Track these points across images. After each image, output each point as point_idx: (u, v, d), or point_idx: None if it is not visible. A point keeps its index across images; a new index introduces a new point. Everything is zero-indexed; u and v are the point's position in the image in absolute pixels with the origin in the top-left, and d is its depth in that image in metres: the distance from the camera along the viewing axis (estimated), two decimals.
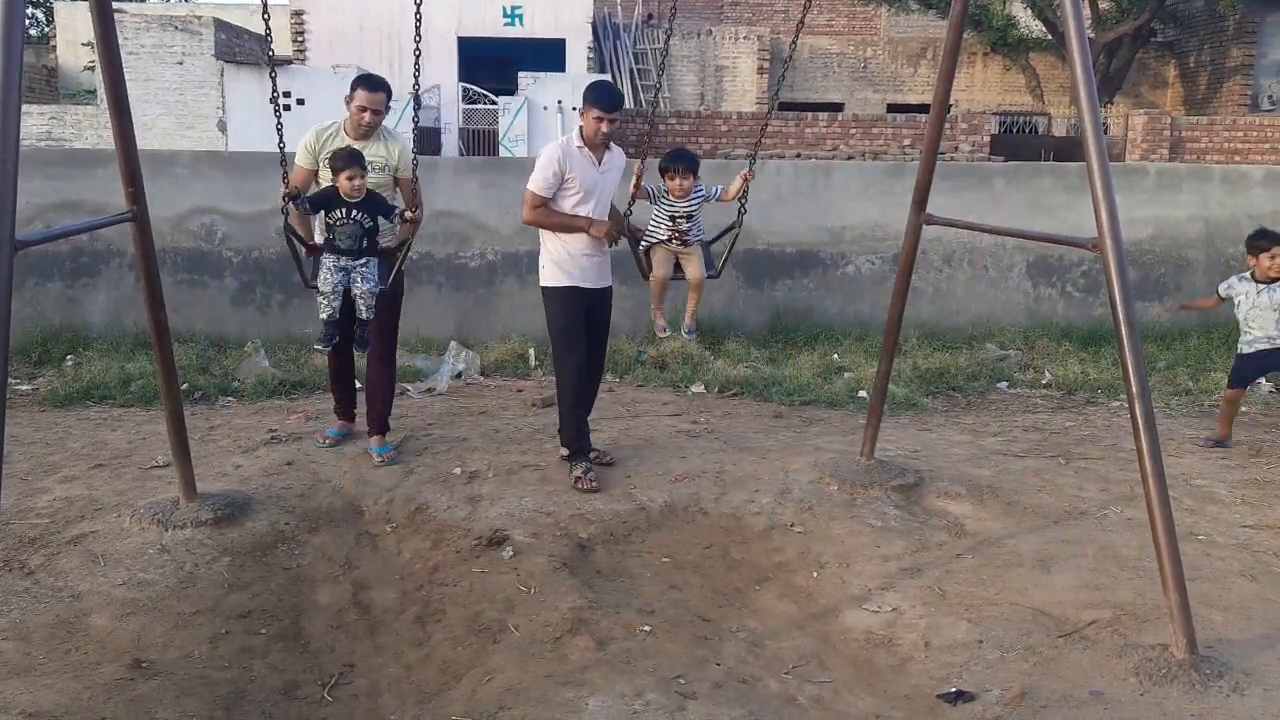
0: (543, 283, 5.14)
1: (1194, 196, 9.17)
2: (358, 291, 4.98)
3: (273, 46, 4.49)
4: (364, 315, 5.03)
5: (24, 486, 4.96)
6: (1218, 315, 8.92)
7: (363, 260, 4.99)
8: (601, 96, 4.97)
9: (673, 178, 5.27)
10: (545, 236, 5.11)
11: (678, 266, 5.45)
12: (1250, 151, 18.39)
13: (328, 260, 4.97)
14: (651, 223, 5.39)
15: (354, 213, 4.95)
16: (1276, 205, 9.14)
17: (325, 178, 5.14)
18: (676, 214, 5.29)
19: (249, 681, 3.62)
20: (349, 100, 5.07)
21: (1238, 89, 23.19)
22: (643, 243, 5.38)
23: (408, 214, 5.05)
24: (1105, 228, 3.48)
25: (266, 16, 4.27)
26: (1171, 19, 24.29)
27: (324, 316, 4.99)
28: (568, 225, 5.02)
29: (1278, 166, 11.33)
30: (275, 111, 4.52)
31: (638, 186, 5.12)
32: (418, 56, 4.60)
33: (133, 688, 3.41)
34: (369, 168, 5.15)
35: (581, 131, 5.01)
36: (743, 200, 5.31)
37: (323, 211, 4.99)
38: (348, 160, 4.92)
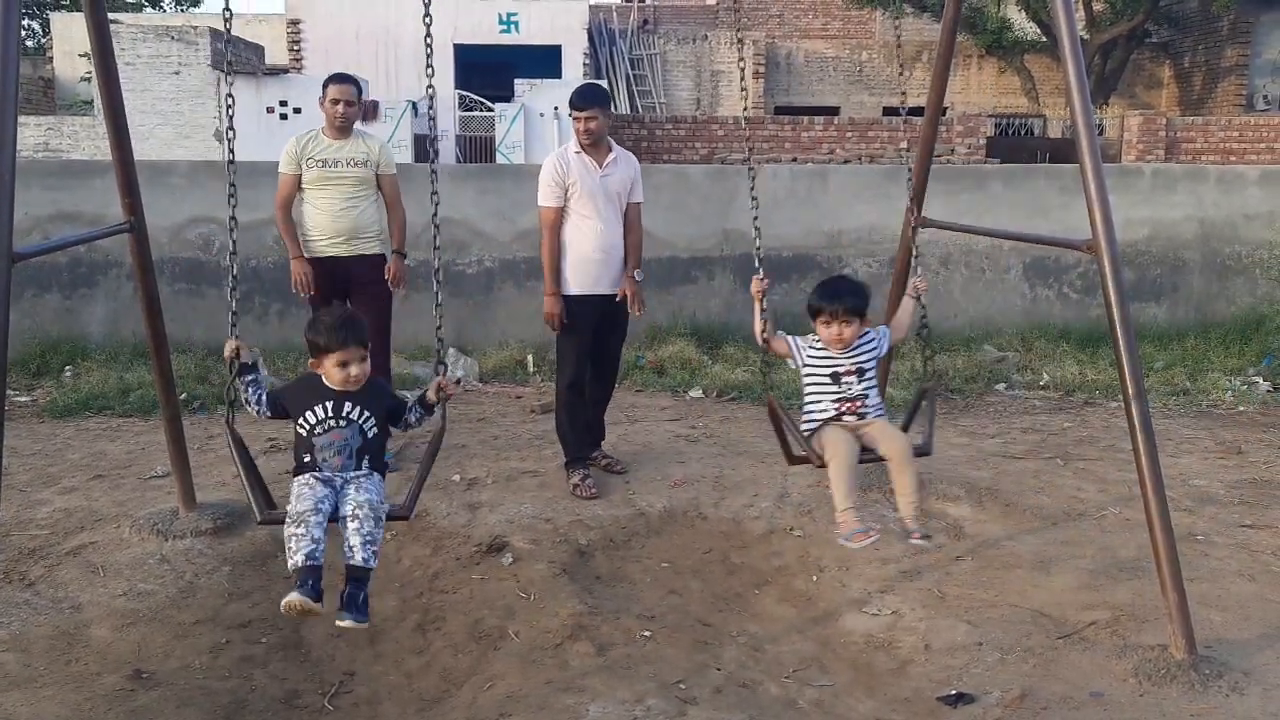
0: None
1: (1189, 197, 9.18)
2: (348, 509, 3.15)
3: (231, 59, 4.45)
4: (357, 558, 3.09)
5: (23, 498, 4.96)
6: (1216, 314, 8.96)
7: (361, 471, 3.27)
8: (581, 95, 5.01)
9: (827, 324, 3.74)
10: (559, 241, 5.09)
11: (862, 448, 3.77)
12: (1246, 152, 18.42)
13: (306, 476, 3.26)
14: (808, 393, 3.83)
15: (346, 408, 3.23)
16: (1272, 205, 9.16)
17: (309, 179, 5.24)
18: (842, 370, 3.76)
19: (250, 691, 3.62)
20: (322, 101, 5.27)
21: (1233, 89, 23.24)
22: (803, 427, 3.81)
23: (430, 394, 3.39)
24: (1099, 230, 3.49)
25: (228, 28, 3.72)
26: (1166, 20, 24.33)
27: (298, 559, 3.03)
28: (546, 275, 5.02)
29: (1273, 166, 11.35)
30: (227, 134, 4.16)
31: (765, 330, 3.81)
32: (430, 74, 3.80)
33: (133, 698, 3.42)
34: (350, 163, 5.23)
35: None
36: (924, 318, 4.03)
37: (289, 415, 3.32)
38: (341, 330, 3.21)
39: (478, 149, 18.54)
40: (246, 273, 8.21)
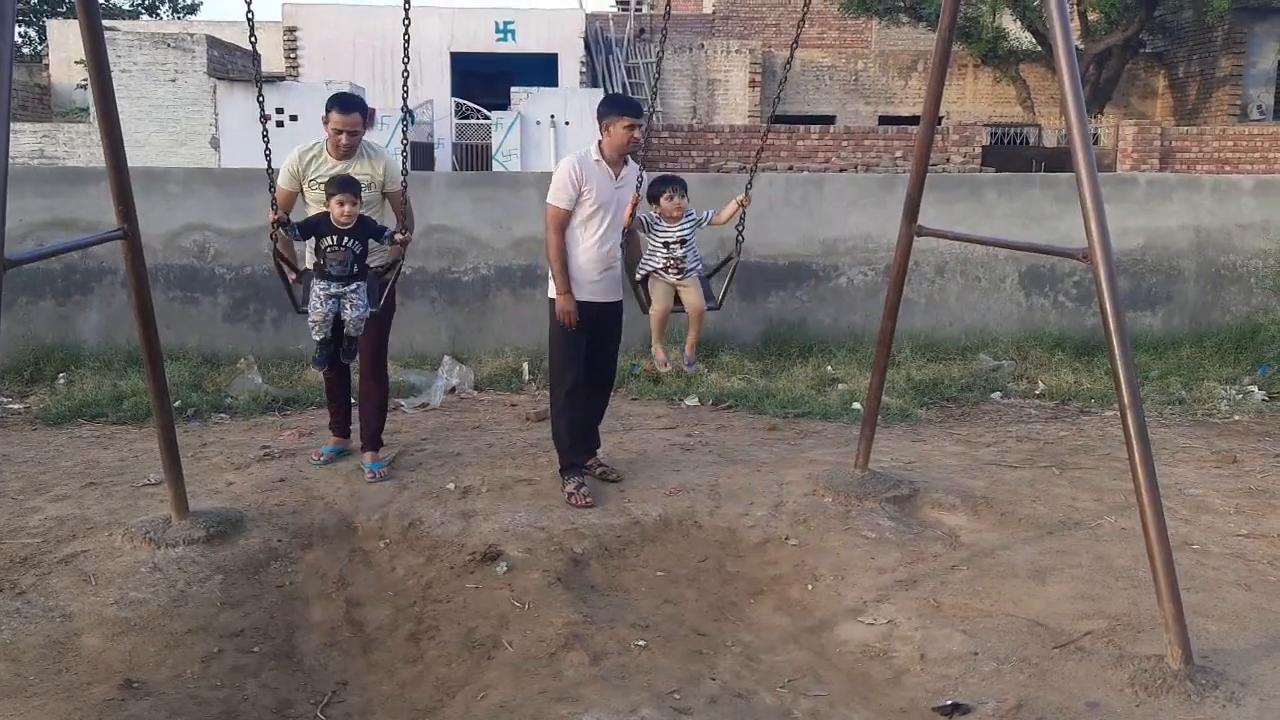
0: (550, 293, 5.09)
1: (1184, 206, 9.20)
2: (347, 317, 4.93)
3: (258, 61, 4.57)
4: (351, 334, 5.03)
5: (15, 506, 4.94)
6: (1211, 323, 8.97)
7: (352, 286, 4.93)
8: (630, 104, 5.11)
9: (670, 197, 5.13)
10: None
11: (677, 299, 5.22)
12: (1240, 161, 18.48)
13: (317, 286, 4.91)
14: (646, 252, 5.22)
15: (345, 239, 4.92)
16: (1266, 214, 9.18)
17: (312, 198, 5.14)
18: (670, 240, 5.12)
19: (241, 701, 3.60)
20: (325, 121, 5.06)
21: (1227, 99, 23.33)
22: (638, 272, 5.19)
23: (397, 235, 5.02)
24: (1095, 238, 3.49)
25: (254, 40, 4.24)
26: (1160, 30, 24.45)
27: (317, 338, 4.99)
28: (555, 275, 5.00)
29: (1267, 176, 11.39)
30: (264, 132, 4.46)
31: (632, 216, 5.01)
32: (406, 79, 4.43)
33: (124, 708, 3.39)
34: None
35: (601, 146, 5.01)
36: (740, 227, 5.18)
37: (313, 238, 4.96)
38: (341, 186, 4.90)
39: (474, 157, 18.56)
40: (242, 280, 8.20)
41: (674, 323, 5.61)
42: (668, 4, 4.90)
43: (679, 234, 5.13)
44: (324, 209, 5.20)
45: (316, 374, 6.16)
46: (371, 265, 5.11)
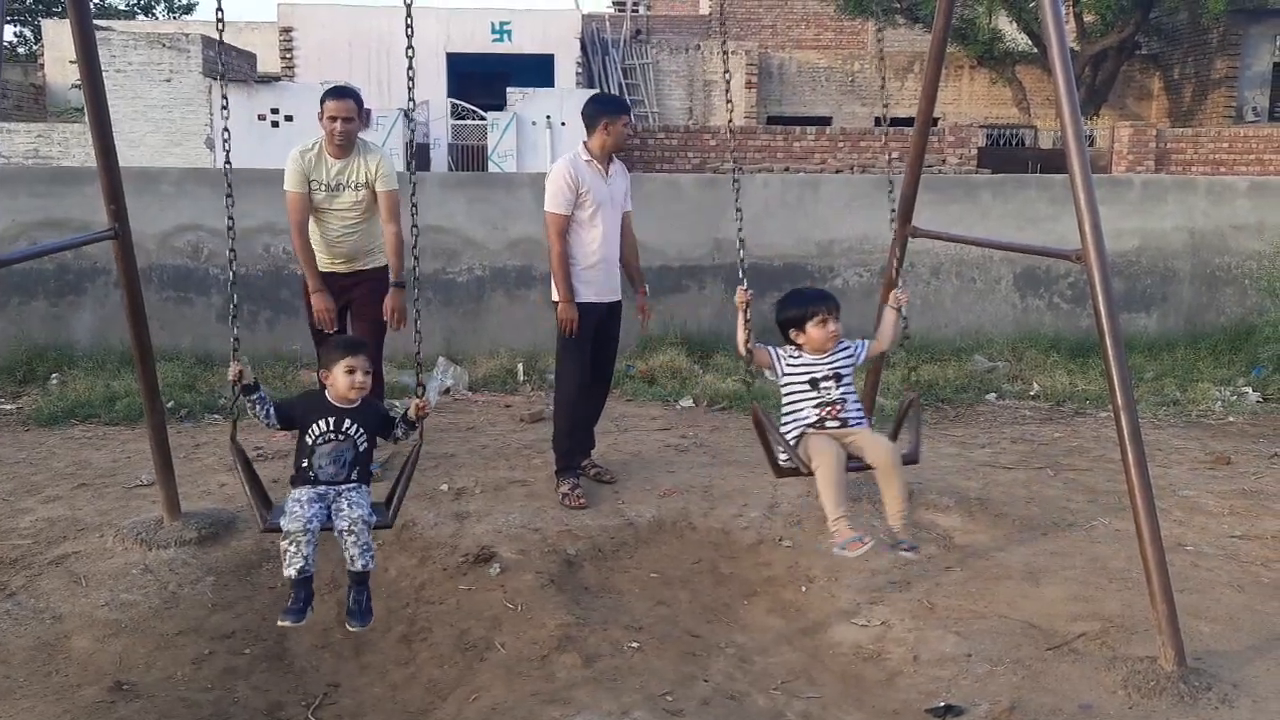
0: (554, 296, 5.09)
1: (1179, 208, 9.21)
2: (344, 524, 3.37)
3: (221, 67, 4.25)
4: (357, 565, 3.39)
5: (6, 507, 4.92)
6: (1206, 325, 8.98)
7: (351, 485, 3.51)
8: (621, 103, 5.19)
9: (823, 322, 3.79)
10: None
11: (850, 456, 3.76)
12: (1235, 163, 18.50)
13: (299, 491, 3.45)
14: (785, 405, 3.86)
15: (346, 424, 3.54)
16: (1261, 216, 9.19)
17: (319, 197, 5.11)
18: (819, 375, 3.78)
19: (232, 703, 3.59)
20: (321, 116, 5.10)
21: (1222, 100, 23.36)
22: (787, 436, 3.81)
23: (411, 412, 3.64)
24: (1089, 240, 3.48)
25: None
26: (1156, 31, 24.48)
27: (291, 572, 3.31)
28: (558, 282, 4.98)
29: (1262, 177, 11.41)
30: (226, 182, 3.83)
31: (749, 341, 3.76)
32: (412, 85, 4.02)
33: (114, 710, 3.38)
34: (352, 186, 5.14)
35: (589, 146, 5.04)
36: (905, 337, 4.07)
37: (295, 427, 3.59)
38: (348, 348, 3.59)
39: (470, 158, 18.54)
40: (237, 280, 8.17)
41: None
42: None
43: (831, 367, 3.80)
44: (318, 229, 5.12)
45: (312, 376, 5.81)
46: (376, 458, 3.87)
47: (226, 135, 3.79)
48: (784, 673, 3.75)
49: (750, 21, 27.40)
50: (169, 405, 6.45)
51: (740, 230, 3.97)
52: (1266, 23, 23.11)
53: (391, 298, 5.25)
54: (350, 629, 3.47)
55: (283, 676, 3.81)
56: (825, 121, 23.04)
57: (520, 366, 7.89)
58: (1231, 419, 7.01)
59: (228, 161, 3.77)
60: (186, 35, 18.49)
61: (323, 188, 5.12)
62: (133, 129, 16.96)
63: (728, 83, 4.40)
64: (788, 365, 3.89)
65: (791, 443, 3.79)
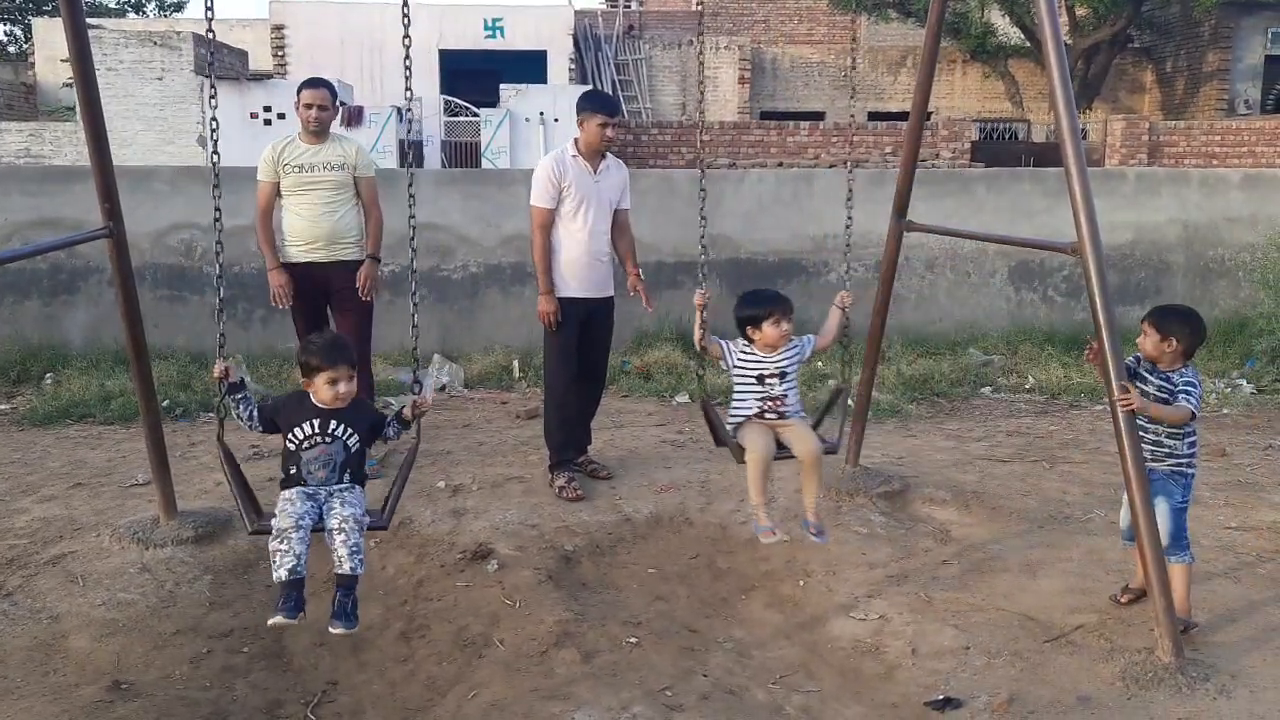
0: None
1: (1172, 200, 9.23)
2: (334, 523, 3.29)
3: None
4: (345, 567, 3.27)
5: (2, 507, 4.91)
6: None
7: (344, 484, 3.41)
8: (604, 102, 5.08)
9: (777, 323, 4.02)
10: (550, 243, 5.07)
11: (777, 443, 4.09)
12: (1227, 155, 18.54)
13: (290, 491, 3.38)
14: (736, 392, 4.13)
15: (333, 426, 3.36)
16: (1253, 208, 9.22)
17: (287, 185, 5.20)
18: (767, 372, 4.04)
19: (231, 701, 3.58)
20: (297, 105, 5.24)
21: (1214, 93, 23.42)
22: (729, 422, 4.13)
23: (406, 411, 3.59)
24: (1084, 232, 3.49)
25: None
26: (1148, 25, 24.51)
27: (281, 574, 3.20)
28: (539, 275, 5.02)
29: (1255, 170, 11.43)
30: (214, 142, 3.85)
31: (704, 338, 4.14)
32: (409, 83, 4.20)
33: (112, 709, 3.37)
34: (327, 167, 5.19)
35: (578, 142, 5.03)
36: (847, 338, 4.33)
37: (279, 430, 3.45)
38: (331, 354, 3.37)
39: (463, 154, 18.51)
40: (230, 279, 8.11)
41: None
42: None
43: (777, 365, 4.05)
44: (297, 210, 5.18)
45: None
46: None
47: (215, 126, 3.75)
48: (782, 667, 3.75)
49: (743, 17, 27.37)
50: (164, 404, 6.44)
51: (704, 236, 4.42)
52: (1258, 15, 23.17)
53: (366, 268, 5.36)
54: (334, 632, 3.27)
55: (281, 674, 3.80)
56: (818, 117, 23.02)
57: (516, 363, 7.88)
58: (1226, 411, 7.03)
59: (215, 153, 3.77)
60: (178, 33, 18.42)
61: (295, 169, 5.24)
62: (125, 128, 16.90)
63: (702, 90, 4.47)
64: (739, 359, 4.14)
65: (733, 428, 4.12)
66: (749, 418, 4.06)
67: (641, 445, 5.92)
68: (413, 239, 3.86)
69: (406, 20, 3.84)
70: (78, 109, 4.03)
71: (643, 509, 4.91)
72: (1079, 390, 7.40)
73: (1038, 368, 7.93)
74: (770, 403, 4.04)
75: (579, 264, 5.03)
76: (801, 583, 4.34)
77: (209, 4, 3.68)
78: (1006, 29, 23.36)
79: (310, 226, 5.25)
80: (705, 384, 4.55)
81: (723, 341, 4.17)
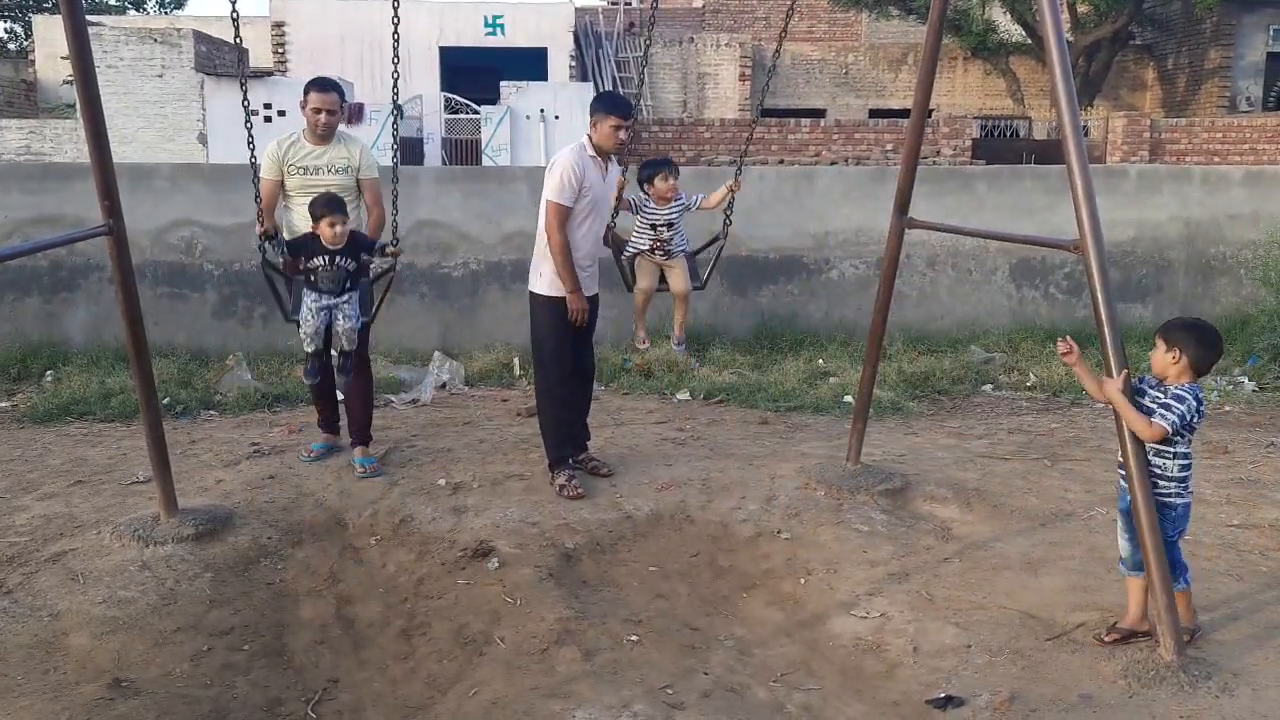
0: (534, 288, 5.06)
1: (1174, 198, 9.22)
2: (340, 329, 4.96)
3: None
4: (345, 348, 5.02)
5: (2, 504, 4.90)
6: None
7: (345, 297, 4.96)
8: (618, 104, 4.98)
9: (665, 178, 5.46)
10: (544, 243, 5.05)
11: (662, 279, 5.72)
12: (1229, 153, 18.53)
13: (309, 299, 4.93)
14: (634, 233, 5.51)
15: (336, 258, 4.90)
16: (1255, 205, 9.20)
17: (291, 185, 5.18)
18: (658, 222, 5.46)
19: (231, 699, 3.58)
20: (303, 106, 5.17)
21: (1216, 90, 23.40)
22: (625, 253, 5.42)
23: (389, 248, 5.09)
24: (1086, 229, 3.48)
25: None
26: (1150, 22, 24.50)
27: (308, 349, 5.01)
28: (564, 274, 4.89)
29: (1256, 167, 11.41)
30: (247, 122, 4.57)
31: (619, 197, 5.11)
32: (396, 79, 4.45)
33: (113, 708, 3.37)
34: (331, 170, 5.20)
35: (592, 140, 4.97)
36: (728, 211, 5.40)
37: (303, 257, 4.92)
38: (327, 206, 4.86)
39: (463, 152, 18.50)
40: (231, 276, 8.16)
41: (660, 306, 6.33)
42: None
43: (667, 217, 5.50)
44: (301, 212, 5.21)
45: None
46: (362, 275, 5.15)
47: (249, 126, 4.51)
48: (784, 665, 3.75)
49: (743, 14, 27.36)
50: (164, 401, 6.43)
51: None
52: (1260, 13, 23.14)
53: (392, 251, 5.37)
54: (339, 380, 5.11)
55: (282, 672, 3.79)
56: (819, 114, 23.01)
57: (516, 361, 7.88)
58: (1228, 408, 7.02)
59: (253, 160, 4.57)
60: (178, 30, 18.43)
61: (300, 170, 5.19)
62: (125, 125, 16.91)
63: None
64: (644, 212, 5.66)
65: (629, 258, 5.55)
66: (640, 251, 5.60)
67: (642, 443, 5.91)
68: (395, 232, 4.02)
69: (396, 19, 3.84)
70: (78, 106, 4.02)
71: (643, 507, 4.90)
72: (1080, 388, 7.37)
73: (1039, 365, 7.92)
74: (658, 243, 5.59)
75: (579, 264, 5.03)
76: (802, 580, 4.34)
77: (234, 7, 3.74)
78: (1008, 26, 23.35)
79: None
80: (620, 224, 5.38)
81: (632, 197, 5.40)
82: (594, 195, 4.97)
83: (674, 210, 5.54)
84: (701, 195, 5.60)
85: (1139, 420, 3.39)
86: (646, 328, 5.74)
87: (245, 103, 4.80)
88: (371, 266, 5.19)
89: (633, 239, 5.53)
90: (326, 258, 4.88)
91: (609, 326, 7.68)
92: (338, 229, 4.85)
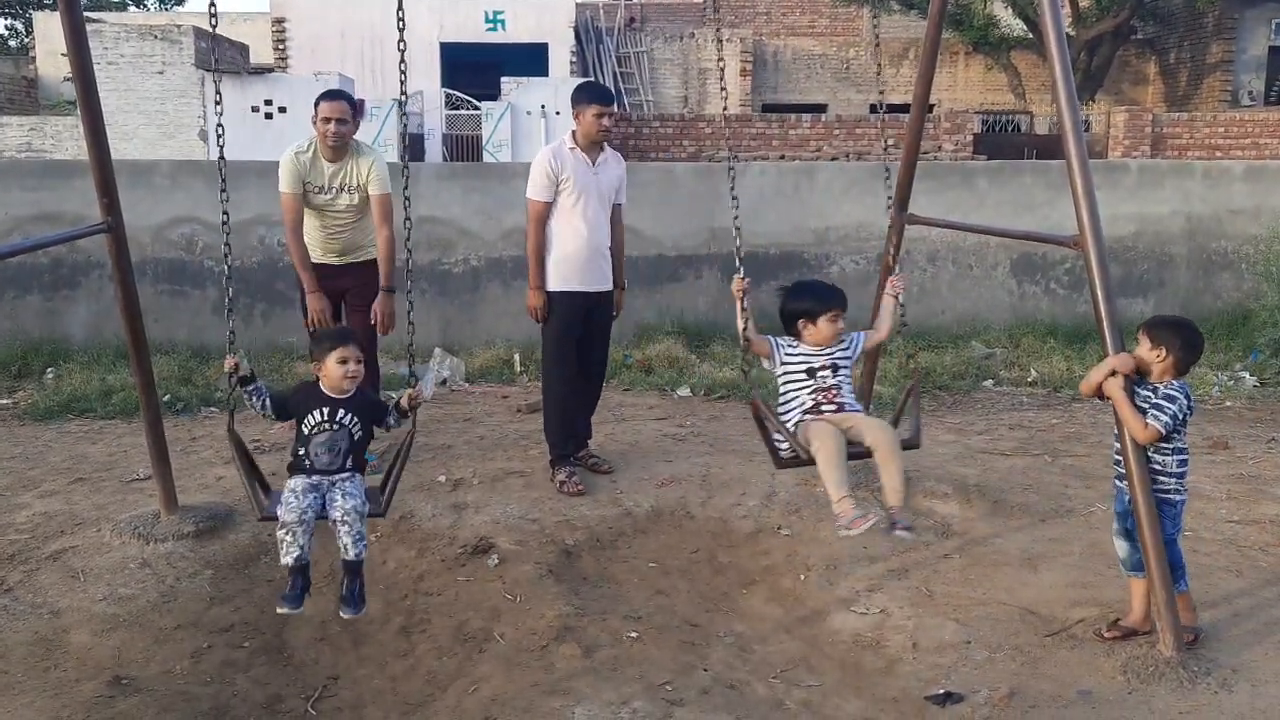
0: (545, 285, 5.08)
1: (1176, 193, 9.20)
2: (337, 515, 3.42)
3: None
4: (350, 554, 3.42)
5: (3, 502, 4.91)
6: (1203, 309, 8.97)
7: (345, 475, 3.53)
8: (598, 92, 5.03)
9: (834, 319, 3.83)
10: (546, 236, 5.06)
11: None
12: (1231, 147, 18.48)
13: (294, 481, 3.49)
14: (784, 389, 3.88)
15: (340, 414, 3.55)
16: (1257, 200, 9.18)
17: (316, 200, 5.12)
18: (817, 365, 3.81)
19: (231, 696, 3.59)
20: (314, 119, 5.09)
21: (1218, 85, 23.33)
22: (786, 424, 3.80)
23: (403, 401, 3.71)
24: (1086, 225, 3.48)
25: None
26: (1151, 16, 24.41)
27: (288, 560, 3.37)
28: (535, 268, 5.01)
29: (1258, 162, 11.40)
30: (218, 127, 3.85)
31: (748, 329, 3.83)
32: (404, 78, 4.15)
33: (113, 705, 3.38)
34: (345, 190, 5.14)
35: (575, 134, 5.00)
36: (903, 324, 4.13)
37: (291, 417, 3.64)
38: (338, 338, 3.65)
39: (464, 148, 18.47)
40: (231, 273, 8.14)
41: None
42: None
43: (830, 358, 3.83)
44: (312, 228, 5.13)
45: (306, 368, 5.88)
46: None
47: (220, 129, 3.81)
48: (783, 661, 3.75)
49: (744, 9, 27.29)
50: (165, 399, 6.44)
51: (737, 218, 4.03)
52: (1261, 7, 23.08)
53: (380, 302, 5.25)
54: (344, 616, 3.48)
55: (282, 669, 3.80)
56: (820, 109, 22.97)
57: (517, 357, 7.88)
58: (1229, 404, 7.01)
59: (221, 158, 3.84)
60: (179, 27, 18.39)
61: (319, 190, 5.15)
62: (125, 122, 16.89)
63: (722, 70, 4.36)
64: (786, 355, 3.90)
65: (791, 430, 3.78)
66: (805, 414, 3.76)
67: (642, 439, 5.91)
68: (408, 239, 3.87)
69: (401, 22, 3.82)
70: (77, 104, 4.02)
71: (643, 503, 4.90)
72: (1081, 383, 7.37)
73: (1040, 361, 7.92)
74: (824, 394, 3.74)
75: (579, 257, 5.01)
76: (802, 577, 4.34)
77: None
78: (1009, 21, 23.28)
79: (326, 239, 5.28)
80: (753, 379, 4.02)
81: (770, 338, 3.90)
82: (580, 188, 4.96)
83: (837, 351, 3.86)
84: (863, 335, 4.03)
85: (1136, 421, 3.40)
86: (854, 497, 3.64)
87: (218, 100, 3.82)
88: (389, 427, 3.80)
89: (782, 401, 3.87)
90: (326, 411, 3.54)
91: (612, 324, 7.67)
92: (350, 367, 3.55)
